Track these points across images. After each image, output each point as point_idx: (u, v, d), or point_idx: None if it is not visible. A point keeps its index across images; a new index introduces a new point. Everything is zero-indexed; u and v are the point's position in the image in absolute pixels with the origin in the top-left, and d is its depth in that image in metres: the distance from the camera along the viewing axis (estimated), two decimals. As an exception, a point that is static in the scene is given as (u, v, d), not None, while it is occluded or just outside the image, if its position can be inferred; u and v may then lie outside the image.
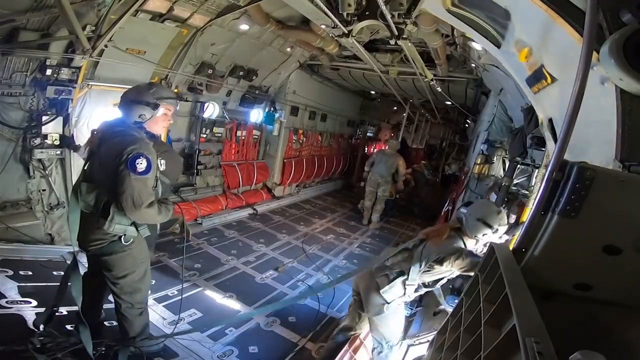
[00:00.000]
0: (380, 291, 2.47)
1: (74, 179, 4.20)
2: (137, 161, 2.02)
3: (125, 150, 2.02)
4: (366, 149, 13.60)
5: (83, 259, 2.66)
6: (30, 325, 2.55)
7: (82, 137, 4.07)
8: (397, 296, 2.48)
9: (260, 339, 3.30)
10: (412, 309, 4.01)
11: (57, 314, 2.49)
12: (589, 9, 1.35)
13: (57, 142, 4.02)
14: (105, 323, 2.78)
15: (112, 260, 2.24)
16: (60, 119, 4.00)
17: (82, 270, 2.44)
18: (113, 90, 4.47)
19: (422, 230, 2.76)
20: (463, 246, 2.44)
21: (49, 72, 3.71)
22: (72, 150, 3.98)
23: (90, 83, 4.17)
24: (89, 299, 2.42)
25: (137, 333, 2.48)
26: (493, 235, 2.48)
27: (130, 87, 2.36)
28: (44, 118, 3.87)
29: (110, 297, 2.56)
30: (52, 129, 3.97)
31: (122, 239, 2.20)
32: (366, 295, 2.60)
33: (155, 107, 2.26)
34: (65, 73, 3.82)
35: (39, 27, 3.49)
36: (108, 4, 3.62)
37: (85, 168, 2.27)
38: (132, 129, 2.19)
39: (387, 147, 8.06)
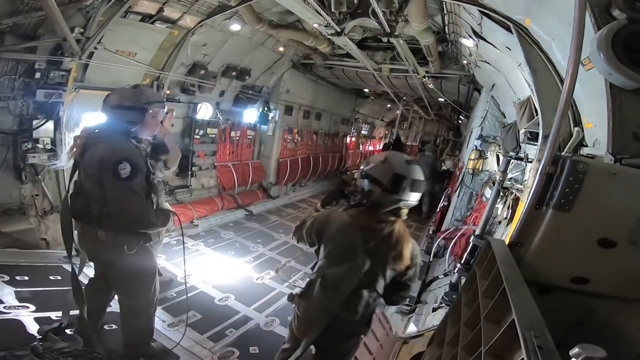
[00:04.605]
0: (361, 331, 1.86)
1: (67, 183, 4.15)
2: (120, 166, 1.92)
3: (106, 157, 1.94)
4: (360, 146, 13.64)
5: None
6: (30, 330, 2.53)
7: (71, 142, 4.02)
8: None
9: (261, 339, 3.30)
10: (410, 305, 4.04)
11: (56, 317, 2.45)
12: (577, 4, 1.36)
13: (48, 147, 3.95)
14: (105, 327, 2.76)
15: (117, 269, 2.17)
16: (51, 123, 3.93)
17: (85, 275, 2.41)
18: (102, 95, 4.41)
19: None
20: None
21: (37, 75, 3.64)
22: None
23: (78, 88, 4.11)
24: (94, 302, 2.40)
25: (141, 339, 2.45)
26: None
27: (113, 90, 2.24)
28: (35, 122, 3.81)
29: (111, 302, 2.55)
30: (44, 133, 3.90)
31: (126, 247, 2.10)
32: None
33: (143, 111, 2.14)
34: (54, 76, 3.76)
35: (26, 30, 3.43)
36: (96, 5, 3.57)
37: (75, 179, 2.15)
38: (115, 133, 2.08)
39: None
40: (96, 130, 2.11)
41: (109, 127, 2.12)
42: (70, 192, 2.14)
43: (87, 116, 4.26)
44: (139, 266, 2.20)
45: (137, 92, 2.19)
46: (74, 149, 2.10)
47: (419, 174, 1.61)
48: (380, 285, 1.69)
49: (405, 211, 1.65)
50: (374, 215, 1.62)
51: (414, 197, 1.61)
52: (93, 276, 2.50)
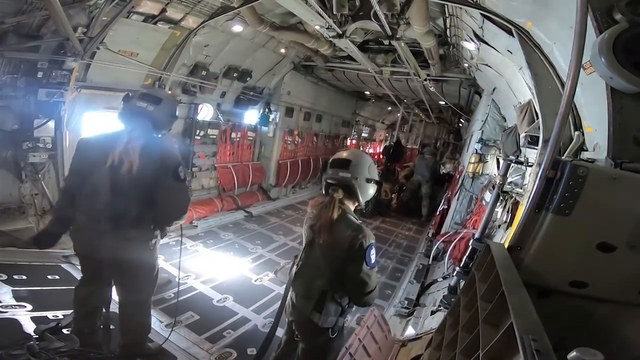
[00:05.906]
0: (319, 324, 1.86)
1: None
2: (179, 169, 2.17)
3: (167, 162, 2.14)
4: (361, 149, 13.65)
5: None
6: (26, 330, 2.52)
7: (74, 140, 4.02)
8: (337, 315, 1.90)
9: (259, 341, 3.24)
10: (408, 308, 4.02)
11: (53, 317, 2.43)
12: (579, 8, 1.37)
13: (49, 146, 3.96)
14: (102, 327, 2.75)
15: (135, 265, 2.23)
16: (52, 122, 3.94)
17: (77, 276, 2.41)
18: (103, 95, 4.43)
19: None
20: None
21: (40, 74, 3.66)
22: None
23: (80, 88, 4.12)
24: (92, 303, 2.39)
25: (140, 337, 2.46)
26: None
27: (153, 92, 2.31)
28: (36, 121, 3.82)
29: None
30: (44, 132, 3.91)
31: (150, 243, 2.26)
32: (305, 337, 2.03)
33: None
34: (56, 76, 3.77)
35: (29, 30, 3.44)
36: (99, 5, 3.58)
37: (97, 183, 2.09)
38: (156, 139, 2.24)
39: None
40: (137, 136, 2.12)
41: (150, 132, 2.22)
42: (98, 198, 2.08)
43: (88, 116, 4.28)
44: (152, 261, 2.34)
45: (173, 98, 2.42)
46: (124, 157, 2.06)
47: (337, 156, 1.99)
48: (323, 264, 1.84)
49: (336, 188, 1.88)
50: (321, 197, 2.00)
51: (331, 172, 1.93)
52: (86, 278, 2.42)
